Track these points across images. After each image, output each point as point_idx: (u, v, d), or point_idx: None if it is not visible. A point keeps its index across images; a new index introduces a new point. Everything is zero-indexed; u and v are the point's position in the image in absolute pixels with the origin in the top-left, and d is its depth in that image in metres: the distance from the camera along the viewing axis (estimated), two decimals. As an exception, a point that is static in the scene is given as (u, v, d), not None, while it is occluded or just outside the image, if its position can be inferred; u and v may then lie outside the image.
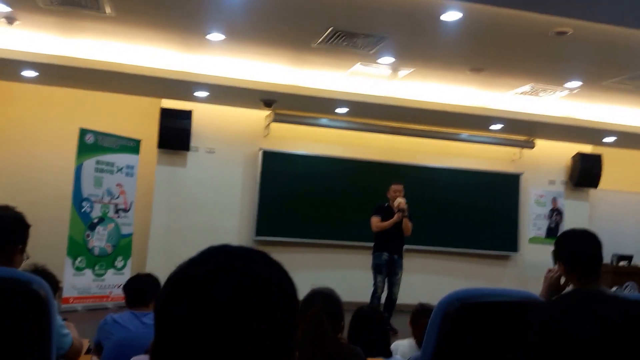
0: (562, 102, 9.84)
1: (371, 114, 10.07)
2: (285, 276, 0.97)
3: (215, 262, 0.93)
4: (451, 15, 6.42)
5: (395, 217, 8.19)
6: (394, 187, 8.44)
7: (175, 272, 0.95)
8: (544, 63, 7.96)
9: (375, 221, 8.34)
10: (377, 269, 8.34)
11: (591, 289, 1.19)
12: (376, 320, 3.92)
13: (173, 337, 0.89)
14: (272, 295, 0.91)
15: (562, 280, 3.10)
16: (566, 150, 11.60)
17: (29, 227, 2.78)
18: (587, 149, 11.64)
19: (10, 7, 6.88)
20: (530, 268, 10.90)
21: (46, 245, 8.73)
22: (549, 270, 3.16)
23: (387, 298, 8.37)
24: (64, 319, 3.08)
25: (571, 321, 1.04)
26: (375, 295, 8.26)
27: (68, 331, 2.87)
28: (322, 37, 7.34)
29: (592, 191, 11.76)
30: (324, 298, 3.22)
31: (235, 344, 0.87)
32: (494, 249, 11.14)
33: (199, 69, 8.64)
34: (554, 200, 11.39)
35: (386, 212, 8.34)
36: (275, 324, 0.90)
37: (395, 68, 8.57)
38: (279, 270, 0.96)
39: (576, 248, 3.01)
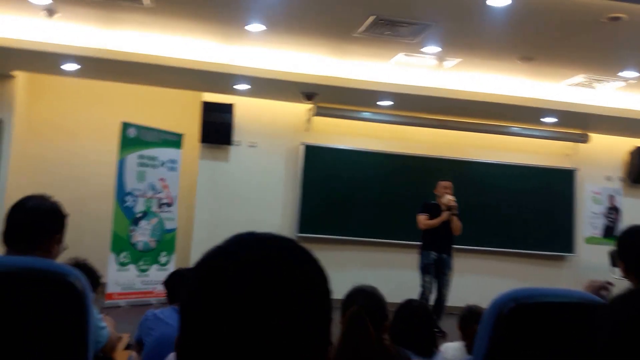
0: (618, 93, 9.41)
1: (416, 106, 9.83)
2: (315, 265, 0.93)
3: (243, 251, 0.90)
4: (498, 1, 6.17)
5: (444, 215, 7.94)
6: (442, 183, 8.17)
7: (200, 263, 0.92)
8: (597, 51, 7.62)
9: (423, 219, 8.08)
10: (424, 269, 8.05)
11: None
12: (423, 316, 3.64)
13: (200, 330, 0.86)
14: (302, 286, 0.88)
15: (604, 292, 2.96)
16: (623, 145, 11.09)
17: (65, 217, 2.73)
18: (645, 143, 11.13)
19: (51, -1, 6.89)
20: (587, 270, 10.39)
21: (91, 241, 8.89)
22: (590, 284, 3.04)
23: (436, 300, 8.07)
24: (101, 313, 3.07)
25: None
26: (423, 296, 7.94)
27: (105, 324, 2.87)
28: (364, 26, 7.18)
29: (651, 188, 11.23)
30: (366, 296, 3.04)
31: (262, 339, 0.84)
32: (548, 250, 10.73)
33: (239, 61, 8.56)
34: (611, 197, 11.08)
35: (434, 209, 8.07)
36: (305, 318, 0.87)
37: (440, 58, 8.33)
38: (309, 259, 0.93)
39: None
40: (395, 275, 9.56)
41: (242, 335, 0.83)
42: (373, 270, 9.91)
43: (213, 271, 0.89)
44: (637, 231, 2.91)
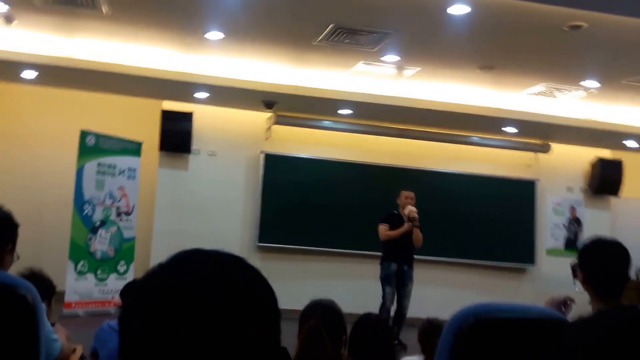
0: (580, 102, 9.46)
1: (376, 115, 9.82)
2: (263, 282, 0.90)
3: (186, 267, 0.88)
4: (458, 9, 6.15)
5: (405, 227, 7.84)
6: (405, 193, 8.08)
7: (143, 279, 0.89)
8: (558, 60, 7.64)
9: (383, 229, 7.97)
10: (385, 280, 7.95)
11: (629, 306, 1.09)
12: (381, 329, 3.57)
13: (137, 348, 0.84)
14: (248, 303, 0.85)
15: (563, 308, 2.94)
16: (585, 155, 11.12)
17: (17, 227, 2.69)
18: (606, 153, 11.17)
19: (8, 6, 6.81)
20: (548, 282, 10.42)
21: (49, 249, 8.79)
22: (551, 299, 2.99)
23: (396, 311, 7.97)
24: (53, 324, 3.04)
25: (618, 341, 0.98)
26: (385, 307, 7.86)
27: (57, 337, 2.82)
28: (323, 34, 7.17)
29: (613, 199, 11.25)
30: (324, 309, 3.04)
31: (206, 357, 0.81)
32: (509, 261, 10.71)
33: (199, 70, 8.53)
34: (573, 208, 11.12)
35: (395, 220, 7.98)
36: (250, 337, 0.84)
37: (400, 67, 8.35)
38: (255, 276, 0.90)
39: (601, 260, 2.79)
40: (356, 286, 9.53)
41: (181, 354, 0.81)
42: (334, 280, 9.85)
43: (153, 288, 0.87)
44: (598, 242, 2.89)
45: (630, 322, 1.00)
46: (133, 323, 0.85)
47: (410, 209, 7.85)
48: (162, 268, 0.89)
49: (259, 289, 0.89)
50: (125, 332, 0.87)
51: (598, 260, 2.79)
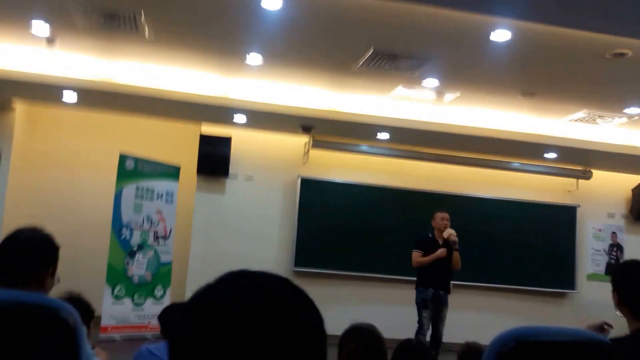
0: (621, 129, 9.34)
1: (414, 140, 9.76)
2: (309, 303, 0.92)
3: (233, 288, 0.89)
4: (500, 35, 6.07)
5: (438, 253, 7.63)
6: (440, 215, 7.85)
7: (192, 300, 0.90)
8: (600, 87, 7.54)
9: (416, 257, 7.78)
10: (422, 305, 7.77)
11: None
12: (423, 355, 3.56)
13: None
14: (297, 325, 0.86)
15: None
16: (626, 182, 11.01)
17: (58, 249, 2.68)
18: (648, 180, 11.04)
19: (50, 28, 6.87)
20: (589, 307, 10.34)
21: (86, 273, 8.81)
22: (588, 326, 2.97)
23: (432, 336, 7.81)
24: (93, 347, 3.07)
25: None
26: (421, 332, 7.69)
27: (97, 359, 2.85)
28: (363, 59, 7.12)
29: (655, 226, 11.12)
30: (364, 334, 3.01)
31: None
32: (549, 286, 10.60)
33: (238, 94, 8.54)
34: (614, 234, 11.03)
35: (429, 244, 7.78)
36: (301, 356, 0.85)
37: (440, 92, 8.27)
38: (302, 297, 0.91)
39: (636, 281, 2.78)
40: (392, 311, 9.42)
41: None
42: (370, 305, 9.82)
43: (202, 309, 0.88)
44: (633, 263, 2.89)
45: None
46: (183, 344, 0.86)
47: (450, 232, 7.68)
48: (210, 289, 0.90)
49: (306, 311, 0.90)
50: (175, 353, 0.88)
51: (633, 280, 2.78)
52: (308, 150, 9.98)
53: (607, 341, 1.73)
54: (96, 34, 6.97)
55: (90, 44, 7.38)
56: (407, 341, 3.60)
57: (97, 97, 8.62)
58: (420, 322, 7.76)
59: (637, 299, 2.74)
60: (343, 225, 9.94)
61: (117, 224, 8.75)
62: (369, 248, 9.96)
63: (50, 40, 7.20)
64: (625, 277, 2.82)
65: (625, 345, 0.88)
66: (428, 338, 7.79)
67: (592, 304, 10.24)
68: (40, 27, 6.84)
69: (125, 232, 8.81)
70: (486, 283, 10.31)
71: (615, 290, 2.81)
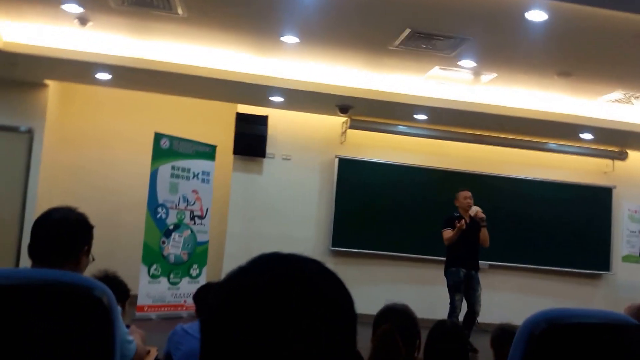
0: (658, 109, 9.22)
1: (451, 121, 9.73)
2: (340, 286, 0.92)
3: (265, 270, 0.90)
4: (536, 15, 6.04)
5: (460, 225, 7.60)
6: (463, 193, 7.96)
7: (224, 282, 0.92)
8: (636, 68, 7.47)
9: (447, 234, 7.86)
10: (455, 288, 7.82)
11: None
12: (457, 337, 3.59)
13: (220, 350, 0.86)
14: (326, 307, 0.87)
15: None
16: (662, 163, 10.92)
17: (92, 228, 2.71)
18: (684, 161, 10.92)
19: (83, 8, 6.88)
20: (623, 288, 10.33)
21: (122, 252, 8.91)
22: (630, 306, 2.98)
23: (467, 314, 7.86)
24: (128, 326, 3.08)
25: None
26: (454, 314, 7.74)
27: (132, 338, 2.85)
28: (400, 39, 7.10)
29: (690, 206, 11.01)
30: (398, 314, 3.05)
31: (289, 357, 0.83)
32: (584, 268, 10.55)
33: (274, 73, 8.52)
34: (650, 216, 10.92)
35: (456, 223, 7.78)
36: (329, 341, 0.85)
37: (477, 72, 8.23)
38: (333, 280, 0.92)
39: None
40: (428, 291, 9.44)
41: (263, 355, 0.83)
42: (406, 285, 9.85)
43: (235, 290, 0.89)
44: None
45: None
46: (216, 325, 0.88)
47: (477, 209, 7.80)
48: (242, 271, 0.91)
49: (336, 293, 0.90)
50: (208, 333, 0.89)
51: None
52: (345, 131, 9.98)
53: (638, 323, 1.73)
54: (129, 12, 6.95)
55: (123, 22, 7.35)
56: (442, 322, 3.63)
57: (131, 75, 8.60)
58: (452, 304, 7.81)
59: None
60: (380, 205, 9.95)
61: (153, 203, 8.79)
62: (405, 228, 9.97)
63: (82, 20, 7.18)
64: None
65: None
66: (461, 318, 7.84)
67: (626, 285, 10.24)
68: (72, 8, 6.86)
69: (161, 212, 8.85)
70: (521, 264, 10.30)
71: None
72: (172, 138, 9.04)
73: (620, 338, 1.50)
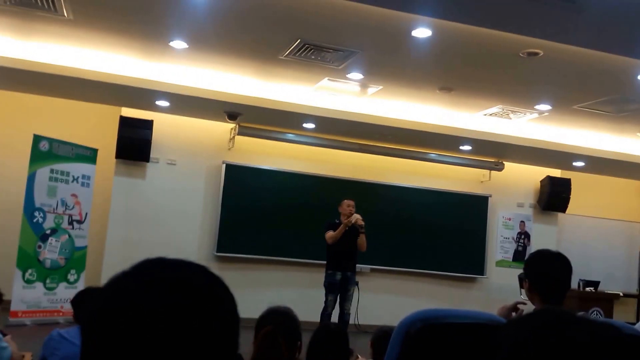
0: (532, 124, 9.75)
1: (338, 130, 9.89)
2: (224, 290, 0.93)
3: (149, 274, 0.89)
4: (421, 32, 6.26)
5: (344, 224, 8.03)
6: (347, 202, 8.29)
7: (106, 286, 0.90)
8: (514, 84, 7.86)
9: (329, 234, 8.16)
10: (329, 288, 8.20)
11: (559, 309, 1.12)
12: (339, 338, 3.76)
13: (103, 354, 0.84)
14: (210, 309, 0.88)
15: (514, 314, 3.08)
16: (535, 174, 11.55)
17: None
18: (556, 172, 11.60)
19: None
20: (496, 291, 10.87)
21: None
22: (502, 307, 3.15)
23: (339, 315, 8.20)
24: (4, 334, 3.04)
25: (541, 343, 1.02)
26: (326, 313, 8.11)
27: (7, 344, 2.80)
28: (290, 49, 7.14)
29: (560, 215, 11.71)
30: (280, 316, 3.09)
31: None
32: (460, 272, 11.03)
33: (161, 78, 8.35)
34: (522, 223, 11.51)
35: (337, 228, 8.15)
36: (212, 340, 0.86)
37: (364, 84, 8.40)
38: (217, 283, 0.92)
39: (545, 269, 3.00)
40: (311, 294, 9.48)
41: (149, 356, 0.82)
42: (290, 289, 9.95)
43: (117, 295, 0.88)
44: (543, 253, 3.08)
45: (551, 324, 1.04)
46: (97, 329, 0.86)
47: (357, 217, 8.07)
48: (125, 275, 0.90)
49: (219, 296, 0.91)
50: (88, 338, 0.87)
51: (542, 269, 2.98)
52: (234, 137, 9.91)
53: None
54: (11, 12, 6.69)
55: (5, 22, 7.07)
56: (326, 325, 3.87)
57: (11, 76, 8.25)
58: (325, 302, 8.19)
59: (544, 287, 2.94)
60: (266, 211, 9.98)
61: (30, 207, 8.48)
62: (290, 234, 10.05)
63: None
64: (535, 266, 3.01)
65: (534, 323, 1.00)
66: (334, 318, 8.15)
67: (499, 288, 10.75)
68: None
69: (38, 216, 8.54)
70: (402, 267, 10.62)
71: (526, 278, 3.01)
72: (51, 140, 8.72)
73: (489, 336, 1.58)
